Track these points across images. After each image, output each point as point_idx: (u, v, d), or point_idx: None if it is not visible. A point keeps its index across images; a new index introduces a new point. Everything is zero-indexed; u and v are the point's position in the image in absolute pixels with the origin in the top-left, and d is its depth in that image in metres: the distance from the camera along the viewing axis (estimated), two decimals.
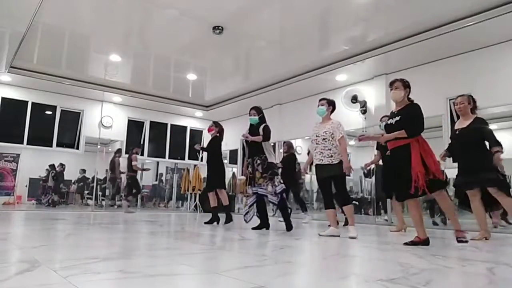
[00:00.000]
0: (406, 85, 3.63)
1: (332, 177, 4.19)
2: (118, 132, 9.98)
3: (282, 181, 4.61)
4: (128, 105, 10.13)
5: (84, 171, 11.30)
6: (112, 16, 5.61)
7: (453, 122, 6.11)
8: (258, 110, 4.86)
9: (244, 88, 8.78)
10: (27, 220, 5.57)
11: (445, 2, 4.89)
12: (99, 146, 9.91)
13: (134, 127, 10.28)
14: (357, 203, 10.05)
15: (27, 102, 8.77)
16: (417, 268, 2.20)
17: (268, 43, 6.37)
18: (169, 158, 10.75)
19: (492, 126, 6.85)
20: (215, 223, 5.46)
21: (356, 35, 5.97)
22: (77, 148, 9.32)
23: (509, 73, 5.52)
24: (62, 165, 10.25)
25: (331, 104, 4.44)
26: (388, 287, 1.64)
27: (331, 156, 4.18)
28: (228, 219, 5.43)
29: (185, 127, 11.14)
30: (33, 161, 10.53)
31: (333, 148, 4.19)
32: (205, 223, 5.47)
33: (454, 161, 4.41)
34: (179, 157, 10.99)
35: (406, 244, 3.41)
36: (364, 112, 7.33)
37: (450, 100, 6.14)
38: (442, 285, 1.83)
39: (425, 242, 3.39)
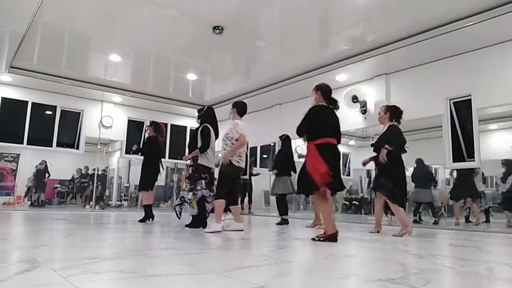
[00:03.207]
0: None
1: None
2: (118, 132, 9.96)
3: (204, 187, 4.67)
4: (128, 105, 10.11)
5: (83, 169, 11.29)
6: (112, 16, 5.60)
7: (453, 122, 6.12)
8: (198, 111, 5.08)
9: (244, 88, 8.77)
10: (27, 220, 5.57)
11: (445, 2, 4.88)
12: (99, 146, 9.91)
13: (134, 127, 10.27)
14: (357, 203, 10.04)
15: (27, 102, 8.74)
16: (417, 268, 2.21)
17: (268, 43, 6.36)
18: (169, 158, 10.73)
19: (492, 126, 6.87)
20: (150, 220, 5.55)
21: (356, 35, 5.96)
22: (77, 148, 9.30)
23: (509, 73, 5.51)
24: (44, 162, 10.00)
25: (234, 106, 4.78)
26: (388, 287, 1.64)
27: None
28: (145, 218, 5.53)
29: (185, 127, 11.14)
30: (33, 161, 10.50)
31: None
32: (139, 221, 5.50)
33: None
34: (179, 157, 10.98)
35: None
36: (364, 112, 7.33)
37: (450, 100, 6.15)
38: (442, 285, 1.83)
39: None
